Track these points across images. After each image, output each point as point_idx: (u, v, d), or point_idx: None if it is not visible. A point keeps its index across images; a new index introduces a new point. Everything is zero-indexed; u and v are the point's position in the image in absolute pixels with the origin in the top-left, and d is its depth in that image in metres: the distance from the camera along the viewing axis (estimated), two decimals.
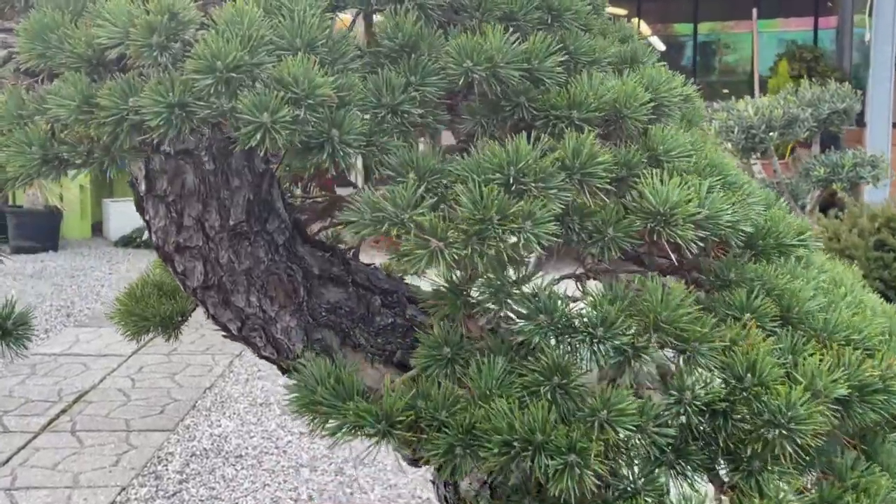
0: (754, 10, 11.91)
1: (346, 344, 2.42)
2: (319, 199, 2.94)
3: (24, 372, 7.41)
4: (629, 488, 1.62)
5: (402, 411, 1.59)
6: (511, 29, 1.68)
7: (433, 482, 2.44)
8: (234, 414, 6.71)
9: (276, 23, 1.55)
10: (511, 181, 1.55)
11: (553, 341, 1.55)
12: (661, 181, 1.60)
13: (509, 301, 1.59)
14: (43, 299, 10.21)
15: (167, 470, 5.76)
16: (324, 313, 2.43)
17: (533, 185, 1.53)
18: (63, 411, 6.65)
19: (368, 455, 6.22)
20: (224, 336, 2.54)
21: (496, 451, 1.49)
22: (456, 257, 1.48)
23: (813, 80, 9.14)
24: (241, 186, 2.35)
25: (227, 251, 2.37)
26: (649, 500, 1.60)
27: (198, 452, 6.06)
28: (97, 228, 14.34)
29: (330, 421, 1.65)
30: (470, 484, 2.15)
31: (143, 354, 7.96)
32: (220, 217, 2.34)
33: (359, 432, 1.62)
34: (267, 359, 2.53)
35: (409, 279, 2.67)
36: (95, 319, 9.30)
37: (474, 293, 1.65)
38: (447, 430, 1.56)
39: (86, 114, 1.51)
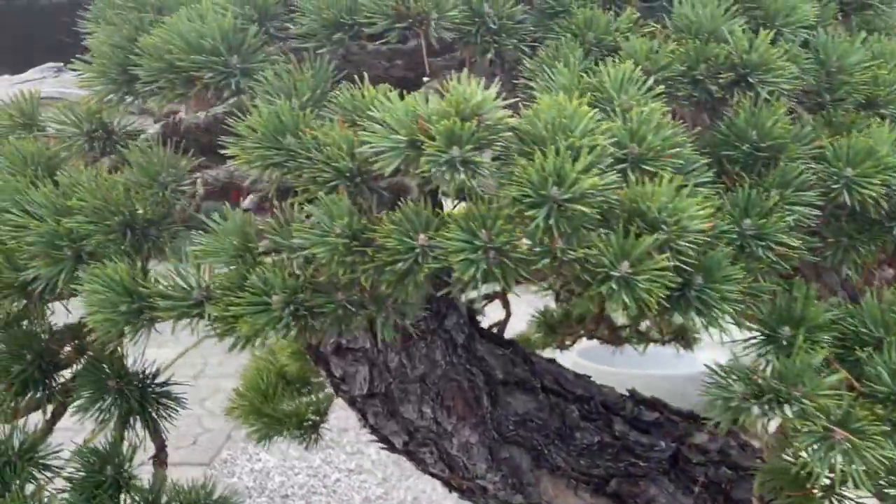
0: None
1: (539, 465, 1.97)
2: None
3: None
4: None
5: None
6: None
7: None
8: (274, 447, 6.22)
9: (612, 125, 1.09)
10: None
11: None
12: None
13: None
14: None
15: None
16: (511, 427, 1.99)
17: None
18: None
19: (425, 495, 5.72)
20: (383, 448, 2.09)
21: None
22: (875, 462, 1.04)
23: None
24: (397, 305, 1.89)
25: (399, 354, 1.92)
26: None
27: (239, 490, 5.58)
28: None
29: None
30: None
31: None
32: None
33: None
34: (434, 475, 2.08)
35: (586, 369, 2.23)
36: None
37: None
38: None
39: (355, 254, 1.05)
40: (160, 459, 1.40)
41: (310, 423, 2.19)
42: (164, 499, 1.29)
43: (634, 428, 2.00)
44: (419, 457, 2.05)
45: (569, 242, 1.02)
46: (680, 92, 1.21)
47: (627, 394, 2.13)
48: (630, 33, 1.26)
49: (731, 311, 1.05)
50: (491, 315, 2.40)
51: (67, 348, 1.35)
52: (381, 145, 1.06)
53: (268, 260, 1.11)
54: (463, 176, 1.04)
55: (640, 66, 1.16)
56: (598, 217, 1.03)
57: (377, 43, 1.30)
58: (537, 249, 1.02)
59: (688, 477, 1.93)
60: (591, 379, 2.16)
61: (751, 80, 1.21)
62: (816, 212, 1.16)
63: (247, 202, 1.14)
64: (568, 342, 2.70)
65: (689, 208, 1.03)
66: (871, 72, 1.31)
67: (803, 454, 1.23)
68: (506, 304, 2.50)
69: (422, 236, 1.04)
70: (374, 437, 2.08)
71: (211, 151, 1.35)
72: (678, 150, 1.10)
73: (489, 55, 1.23)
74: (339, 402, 7.88)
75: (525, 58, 1.24)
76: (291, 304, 1.07)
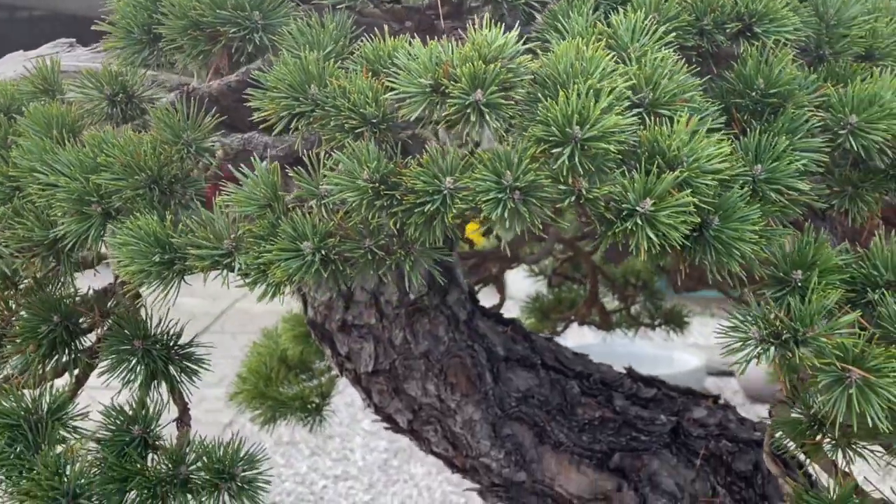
0: None
1: (542, 442, 1.99)
2: (465, 256, 2.52)
3: None
4: None
5: None
6: None
7: None
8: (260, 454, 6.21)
9: (625, 71, 1.13)
10: None
11: None
12: None
13: None
14: None
15: None
16: (513, 403, 2.01)
17: None
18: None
19: (411, 500, 5.70)
20: (387, 428, 2.11)
21: None
22: (892, 398, 1.07)
23: None
24: (424, 249, 1.92)
25: (404, 330, 1.94)
26: None
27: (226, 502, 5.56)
28: None
29: None
30: None
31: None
32: (398, 290, 1.91)
33: None
34: (437, 455, 2.10)
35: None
36: None
37: None
38: None
39: (383, 197, 1.07)
40: (184, 421, 1.41)
41: (313, 405, 2.20)
42: (192, 457, 1.30)
43: (634, 403, 2.03)
44: (423, 436, 2.07)
45: (592, 181, 1.05)
46: (689, 42, 1.25)
47: (625, 371, 2.16)
48: None
49: (749, 250, 1.09)
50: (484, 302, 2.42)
51: (93, 313, 1.36)
52: (406, 91, 1.09)
53: (295, 209, 1.14)
54: (487, 118, 1.08)
55: (649, 17, 1.20)
56: (619, 157, 1.07)
57: (390, 3, 1.33)
58: (562, 188, 1.05)
59: (689, 450, 1.95)
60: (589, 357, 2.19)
61: (756, 29, 1.25)
62: (825, 158, 1.20)
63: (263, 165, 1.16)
64: (559, 328, 2.73)
65: (706, 148, 1.07)
66: (869, 25, 1.36)
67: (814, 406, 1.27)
68: (500, 289, 2.53)
69: (448, 179, 1.07)
70: (378, 418, 2.10)
71: (223, 121, 1.37)
72: (692, 94, 1.14)
73: (503, 11, 1.27)
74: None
75: (537, 14, 1.27)
76: (322, 250, 1.09)
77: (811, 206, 1.31)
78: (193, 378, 1.39)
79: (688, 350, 6.66)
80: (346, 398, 7.10)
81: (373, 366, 1.98)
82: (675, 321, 2.76)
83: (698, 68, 1.25)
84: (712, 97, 1.24)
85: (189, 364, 1.35)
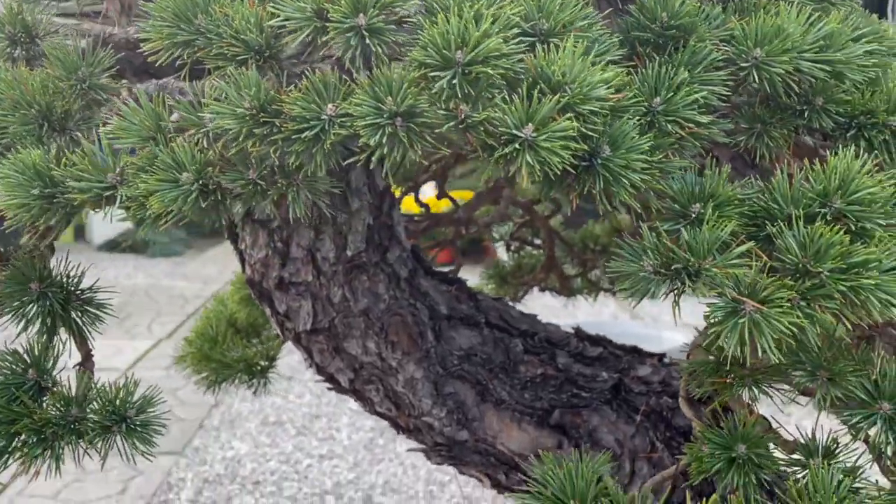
0: None
1: (485, 399, 1.97)
2: (418, 219, 2.50)
3: None
4: None
5: None
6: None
7: None
8: (246, 434, 6.22)
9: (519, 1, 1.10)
10: (842, 216, 1.11)
11: None
12: None
13: None
14: None
15: (179, 498, 5.28)
16: (456, 362, 1.99)
17: (877, 222, 1.10)
18: None
19: (396, 479, 5.70)
20: (330, 388, 2.09)
21: None
22: (783, 328, 1.04)
23: None
24: (361, 209, 1.90)
25: (342, 287, 1.92)
26: None
27: (211, 478, 5.58)
28: (79, 232, 13.73)
29: None
30: None
31: (140, 368, 7.44)
32: (335, 246, 1.89)
33: None
34: (381, 415, 2.08)
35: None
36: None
37: None
38: None
39: (263, 125, 1.05)
40: (86, 367, 1.39)
41: (259, 368, 2.18)
42: (90, 402, 1.28)
43: (577, 361, 2.01)
44: (366, 395, 2.05)
45: (474, 106, 1.03)
46: None
47: (572, 331, 2.14)
48: None
49: (638, 179, 1.06)
50: None
51: None
52: (291, 17, 1.07)
53: (179, 140, 1.11)
54: (373, 46, 1.05)
55: None
56: (504, 82, 1.04)
57: None
58: (443, 113, 1.03)
59: (630, 406, 1.93)
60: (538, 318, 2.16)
61: None
62: (727, 91, 1.17)
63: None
64: (520, 293, 2.70)
65: (593, 74, 1.04)
66: None
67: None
68: (455, 254, 2.51)
69: (330, 105, 1.04)
70: (320, 378, 2.08)
71: (143, 68, 1.35)
72: (587, 23, 1.11)
73: None
74: (308, 388, 7.89)
75: None
76: (201, 180, 1.07)
77: (742, 155, 1.28)
78: (97, 324, 1.36)
79: (677, 329, 6.65)
80: None
81: (311, 324, 1.96)
82: None
83: (601, 3, 1.22)
84: (615, 31, 1.21)
85: (91, 309, 1.33)
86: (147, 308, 9.58)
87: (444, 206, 2.67)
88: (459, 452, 2.00)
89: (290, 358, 7.66)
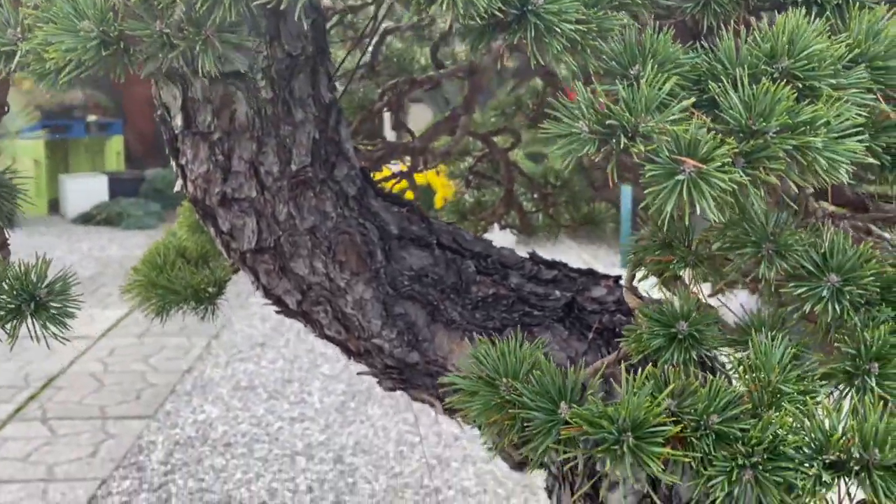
0: None
1: (435, 320, 1.91)
2: (372, 147, 2.43)
3: None
4: None
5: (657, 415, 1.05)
6: None
7: (549, 490, 1.94)
8: (218, 399, 6.16)
9: None
10: (789, 76, 1.05)
11: None
12: None
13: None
14: None
15: (150, 460, 5.22)
16: (406, 282, 1.93)
17: (826, 82, 1.04)
18: (32, 398, 6.06)
19: (367, 440, 5.62)
20: (278, 312, 2.03)
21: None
22: (724, 186, 0.98)
23: None
24: (306, 121, 1.83)
25: (287, 204, 1.85)
26: None
27: (182, 441, 5.51)
28: (53, 206, 13.59)
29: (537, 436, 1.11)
30: (624, 497, 1.66)
31: (113, 337, 7.36)
32: (279, 160, 1.82)
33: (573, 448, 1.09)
34: (331, 339, 2.01)
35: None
36: None
37: None
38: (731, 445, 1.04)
39: None
40: (2, 254, 1.32)
41: (207, 294, 2.11)
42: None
43: (530, 281, 1.95)
44: (314, 318, 1.98)
45: None
46: None
47: (528, 256, 2.08)
48: None
49: (570, 30, 0.99)
50: None
51: None
52: None
53: None
54: None
55: None
56: None
57: None
58: None
59: (582, 324, 1.87)
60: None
61: None
62: None
63: None
64: (479, 229, 2.64)
65: None
66: None
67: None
68: (412, 185, 2.45)
69: None
70: (268, 301, 2.01)
71: None
72: None
73: None
74: (281, 354, 7.82)
75: None
76: (102, 28, 1.00)
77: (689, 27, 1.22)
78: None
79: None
80: (308, 345, 7.04)
81: (256, 242, 1.89)
82: (596, 223, 2.67)
83: None
84: None
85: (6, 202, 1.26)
86: (120, 279, 9.48)
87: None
88: (410, 375, 1.94)
89: (264, 326, 7.59)
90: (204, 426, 5.70)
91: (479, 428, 1.25)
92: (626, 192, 8.00)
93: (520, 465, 1.98)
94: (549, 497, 1.95)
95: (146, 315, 2.12)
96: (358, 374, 2.02)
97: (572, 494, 1.83)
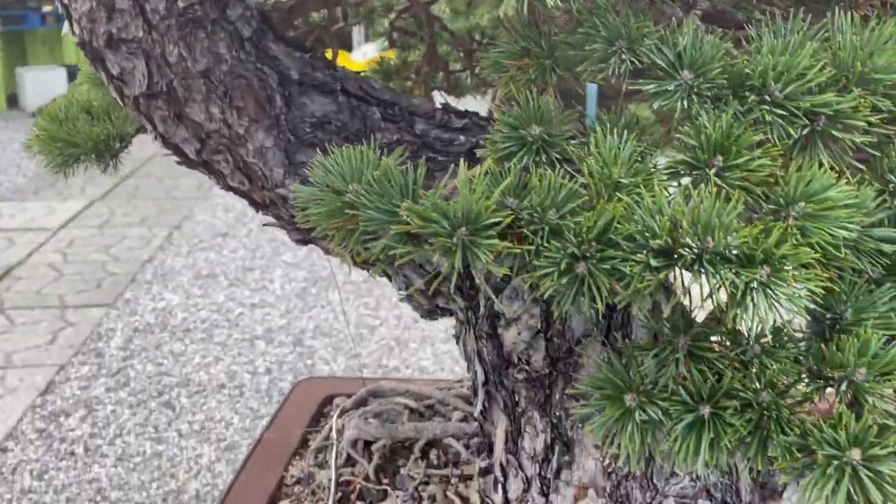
0: None
1: None
2: None
3: None
4: None
5: (493, 211, 1.00)
6: None
7: (457, 337, 1.92)
8: (178, 287, 6.15)
9: None
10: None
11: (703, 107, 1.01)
12: None
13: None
14: None
15: (109, 347, 5.23)
16: (308, 129, 1.86)
17: None
18: None
19: (327, 323, 5.60)
20: (179, 163, 1.96)
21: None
22: None
23: None
24: None
25: (177, 45, 1.77)
26: None
27: (141, 328, 5.52)
28: (12, 100, 13.34)
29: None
30: (518, 334, 1.64)
31: (72, 228, 7.30)
32: None
33: (412, 245, 1.05)
34: (236, 190, 1.96)
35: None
36: (18, 193, 8.52)
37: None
38: (564, 238, 1.00)
39: None
40: None
41: (110, 148, 2.04)
42: None
43: (437, 128, 1.89)
44: (215, 167, 1.92)
45: None
46: None
47: (440, 106, 2.01)
48: None
49: None
50: None
51: None
52: None
53: None
54: None
55: None
56: None
57: None
58: None
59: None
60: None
61: None
62: None
63: None
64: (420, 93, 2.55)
65: None
66: None
67: None
68: (329, 40, 2.35)
69: None
70: (167, 151, 1.95)
71: None
72: None
73: None
74: (243, 244, 7.75)
75: None
76: None
77: None
78: None
79: None
80: (269, 234, 7.00)
81: (147, 86, 1.81)
82: None
83: None
84: None
85: None
86: (80, 170, 9.37)
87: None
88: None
89: (227, 216, 7.53)
90: (164, 313, 5.70)
91: (325, 238, 1.21)
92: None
93: (430, 314, 1.95)
94: (457, 343, 1.93)
95: (51, 170, 2.05)
96: (264, 225, 1.98)
97: (475, 337, 1.81)
